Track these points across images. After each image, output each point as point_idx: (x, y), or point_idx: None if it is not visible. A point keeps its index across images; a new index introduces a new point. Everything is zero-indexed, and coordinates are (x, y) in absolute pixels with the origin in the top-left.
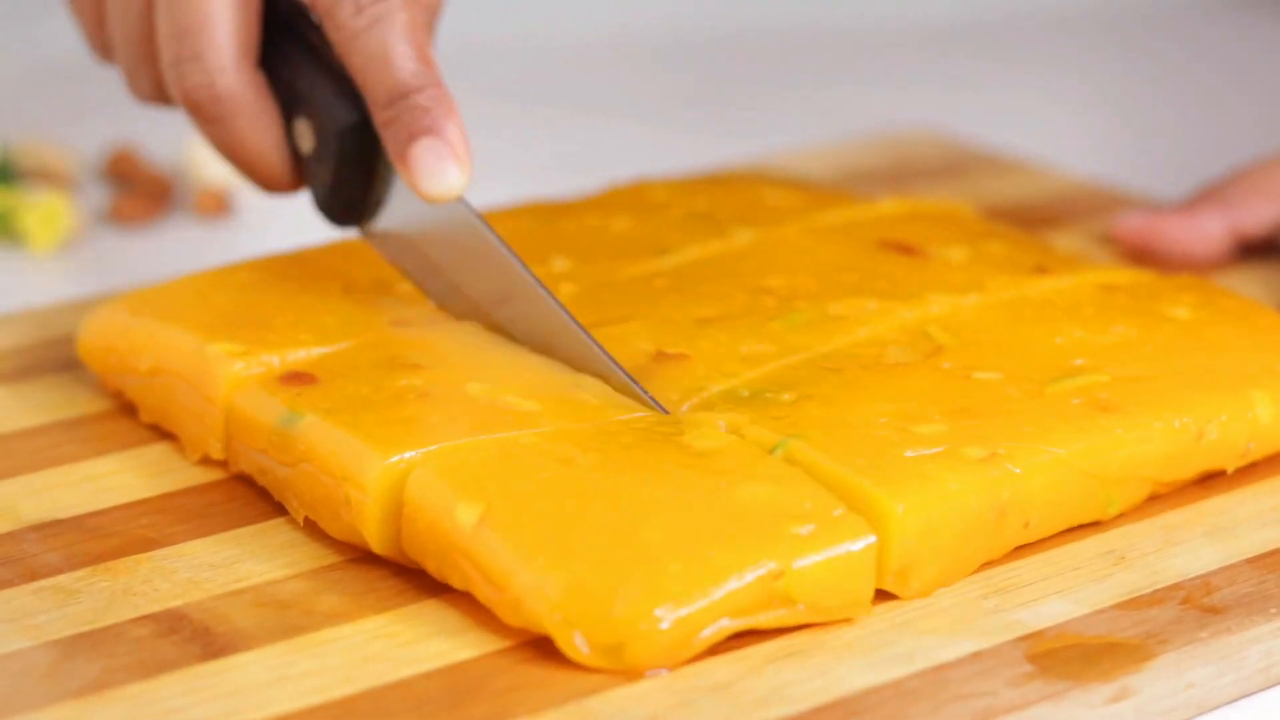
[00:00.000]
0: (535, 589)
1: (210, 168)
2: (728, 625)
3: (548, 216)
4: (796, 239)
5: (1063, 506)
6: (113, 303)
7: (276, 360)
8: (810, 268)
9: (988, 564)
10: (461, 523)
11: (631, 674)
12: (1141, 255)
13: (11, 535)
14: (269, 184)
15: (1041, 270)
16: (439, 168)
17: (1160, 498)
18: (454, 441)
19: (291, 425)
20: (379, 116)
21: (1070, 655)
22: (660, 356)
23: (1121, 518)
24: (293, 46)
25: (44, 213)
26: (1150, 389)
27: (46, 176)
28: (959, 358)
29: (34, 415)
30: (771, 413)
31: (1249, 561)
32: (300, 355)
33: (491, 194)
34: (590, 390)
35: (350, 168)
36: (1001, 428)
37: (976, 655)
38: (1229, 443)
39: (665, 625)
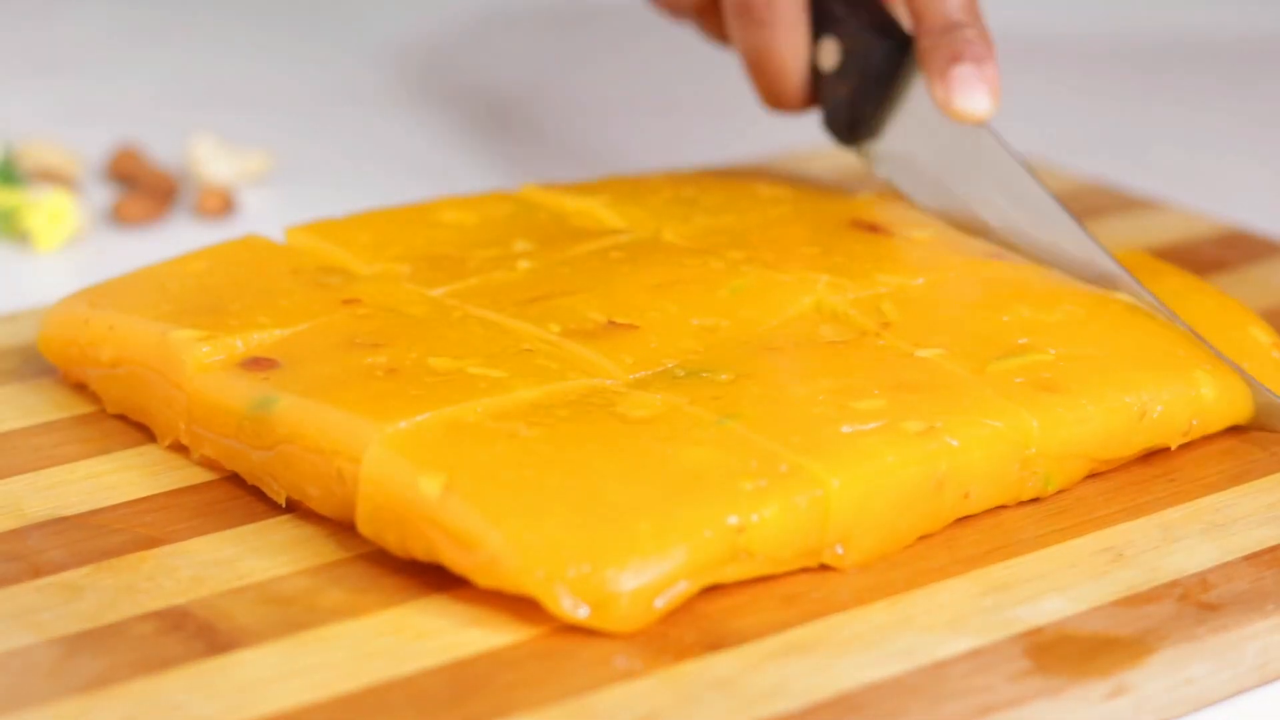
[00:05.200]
0: (511, 548)
1: (213, 167)
2: (692, 584)
3: (526, 204)
4: (768, 218)
5: (1003, 481)
6: (71, 298)
7: (240, 344)
8: (774, 243)
9: (984, 561)
10: (425, 493)
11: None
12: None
13: (16, 532)
14: (784, 96)
15: (998, 256)
16: (973, 91)
17: (1158, 495)
18: (446, 409)
19: (267, 409)
20: (925, 41)
21: (1068, 652)
22: (611, 326)
23: (1119, 514)
24: None
25: (48, 212)
26: (1094, 368)
27: (50, 176)
28: (899, 335)
29: (38, 413)
30: (709, 392)
31: (1246, 559)
32: (261, 338)
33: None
34: (542, 353)
35: (872, 86)
36: (942, 403)
37: (975, 652)
38: (1172, 420)
39: (645, 580)
